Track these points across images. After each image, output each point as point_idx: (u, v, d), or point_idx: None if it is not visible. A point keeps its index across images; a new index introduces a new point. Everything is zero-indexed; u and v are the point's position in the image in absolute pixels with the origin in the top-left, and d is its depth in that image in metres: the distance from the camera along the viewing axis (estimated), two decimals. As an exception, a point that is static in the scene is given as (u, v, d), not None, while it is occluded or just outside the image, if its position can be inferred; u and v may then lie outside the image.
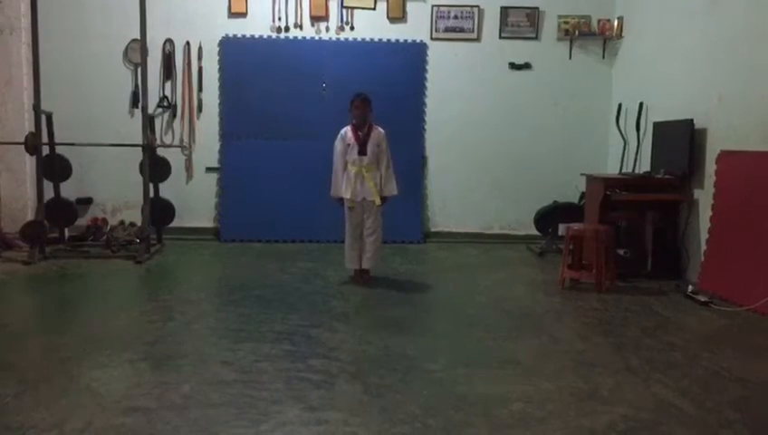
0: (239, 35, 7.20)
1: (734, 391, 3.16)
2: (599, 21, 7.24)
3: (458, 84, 7.37)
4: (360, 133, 5.20)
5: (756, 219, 4.70)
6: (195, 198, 7.29)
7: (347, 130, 5.26)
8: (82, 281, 5.35)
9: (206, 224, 7.36)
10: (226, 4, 7.17)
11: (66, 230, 6.70)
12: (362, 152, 5.18)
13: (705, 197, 5.36)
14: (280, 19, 7.23)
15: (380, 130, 5.25)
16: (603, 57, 7.36)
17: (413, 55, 7.32)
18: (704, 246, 5.27)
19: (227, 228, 7.19)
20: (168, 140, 7.27)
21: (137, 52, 6.81)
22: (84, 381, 3.14)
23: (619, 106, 6.97)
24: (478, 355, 3.66)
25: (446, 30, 7.33)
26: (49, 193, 6.36)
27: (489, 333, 4.08)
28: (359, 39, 7.27)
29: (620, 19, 7.10)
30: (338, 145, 5.28)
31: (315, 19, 7.27)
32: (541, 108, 7.42)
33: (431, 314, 4.66)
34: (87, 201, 7.19)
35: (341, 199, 5.27)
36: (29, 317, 4.48)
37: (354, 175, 5.19)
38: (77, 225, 6.79)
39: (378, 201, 5.20)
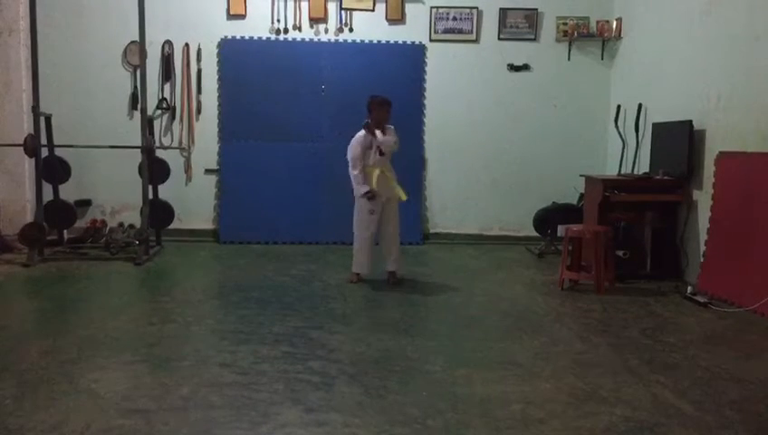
0: (238, 37, 7.20)
1: (734, 392, 3.16)
2: (597, 22, 7.24)
3: (457, 86, 7.37)
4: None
5: (755, 220, 4.70)
6: (194, 200, 7.28)
7: (366, 133, 5.20)
8: (81, 283, 5.34)
9: (205, 225, 7.35)
10: (225, 5, 7.17)
11: (65, 232, 6.70)
12: (382, 153, 5.19)
13: (703, 198, 5.37)
14: (279, 21, 7.24)
15: (392, 127, 5.27)
16: (602, 58, 7.36)
17: (412, 57, 7.32)
18: (703, 247, 5.27)
19: (226, 230, 7.18)
20: (166, 141, 7.27)
21: (136, 53, 6.82)
22: (84, 382, 3.14)
23: (618, 107, 6.97)
24: (477, 356, 3.66)
25: (445, 31, 7.33)
26: (48, 195, 6.35)
27: (488, 334, 4.09)
28: (357, 41, 7.27)
29: (619, 20, 7.10)
30: (357, 148, 5.15)
31: (314, 21, 7.27)
32: (540, 109, 7.42)
33: (430, 315, 4.66)
34: (86, 203, 7.18)
35: (368, 193, 5.11)
36: (28, 319, 4.47)
37: (377, 177, 5.17)
38: (76, 227, 6.77)
39: (403, 196, 5.23)
